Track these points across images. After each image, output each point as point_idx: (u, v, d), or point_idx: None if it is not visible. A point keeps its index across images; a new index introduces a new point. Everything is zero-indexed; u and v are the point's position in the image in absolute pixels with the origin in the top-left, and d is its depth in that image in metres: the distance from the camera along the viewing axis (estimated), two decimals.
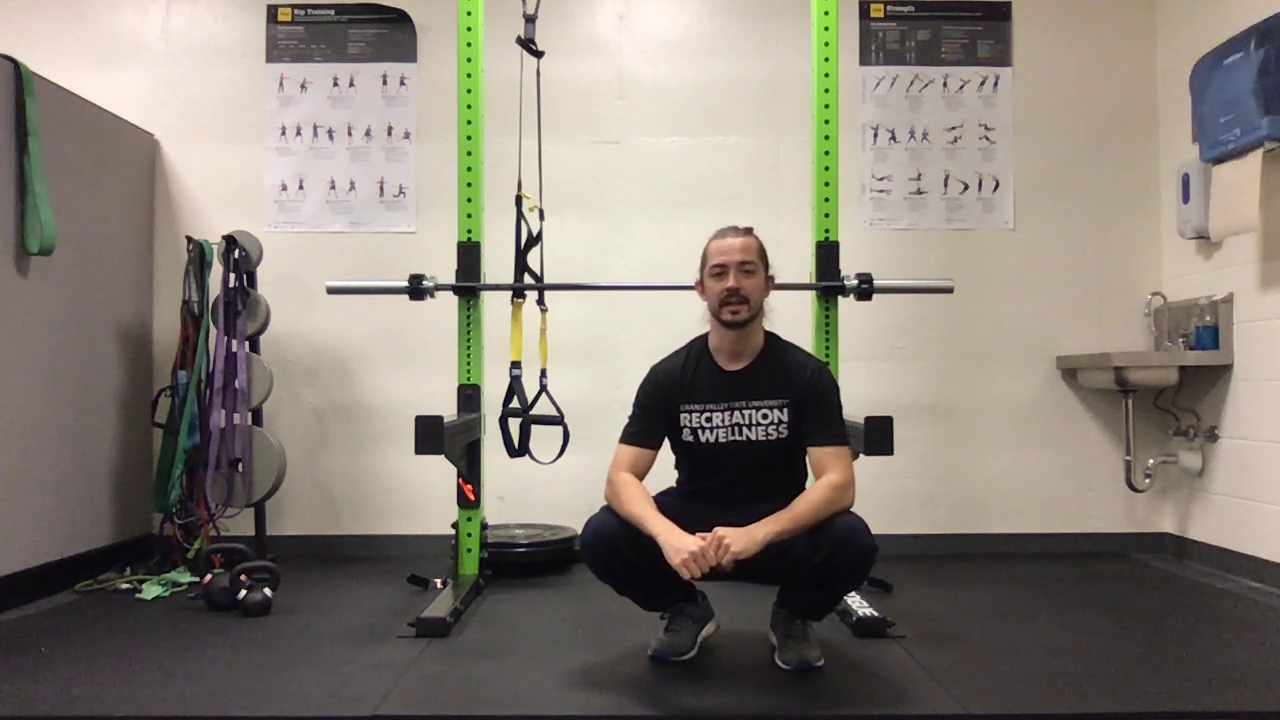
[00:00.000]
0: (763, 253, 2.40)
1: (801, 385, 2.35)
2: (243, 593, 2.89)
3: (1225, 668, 2.31)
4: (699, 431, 2.38)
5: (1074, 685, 2.18)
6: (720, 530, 2.11)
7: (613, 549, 2.27)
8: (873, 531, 2.26)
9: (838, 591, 2.34)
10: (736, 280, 2.32)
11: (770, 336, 2.45)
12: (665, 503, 2.33)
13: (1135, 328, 3.95)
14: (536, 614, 2.92)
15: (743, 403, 2.36)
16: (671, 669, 2.33)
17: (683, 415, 2.39)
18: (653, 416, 2.41)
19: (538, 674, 2.29)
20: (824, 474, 2.28)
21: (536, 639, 2.62)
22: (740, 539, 2.11)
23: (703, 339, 2.48)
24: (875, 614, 2.67)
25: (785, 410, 2.34)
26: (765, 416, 2.35)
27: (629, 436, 2.41)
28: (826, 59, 3.19)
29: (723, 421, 2.36)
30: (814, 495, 2.24)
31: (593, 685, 2.21)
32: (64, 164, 3.28)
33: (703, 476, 2.42)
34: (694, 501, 2.38)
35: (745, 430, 2.36)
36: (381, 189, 4.00)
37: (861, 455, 2.62)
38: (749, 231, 2.41)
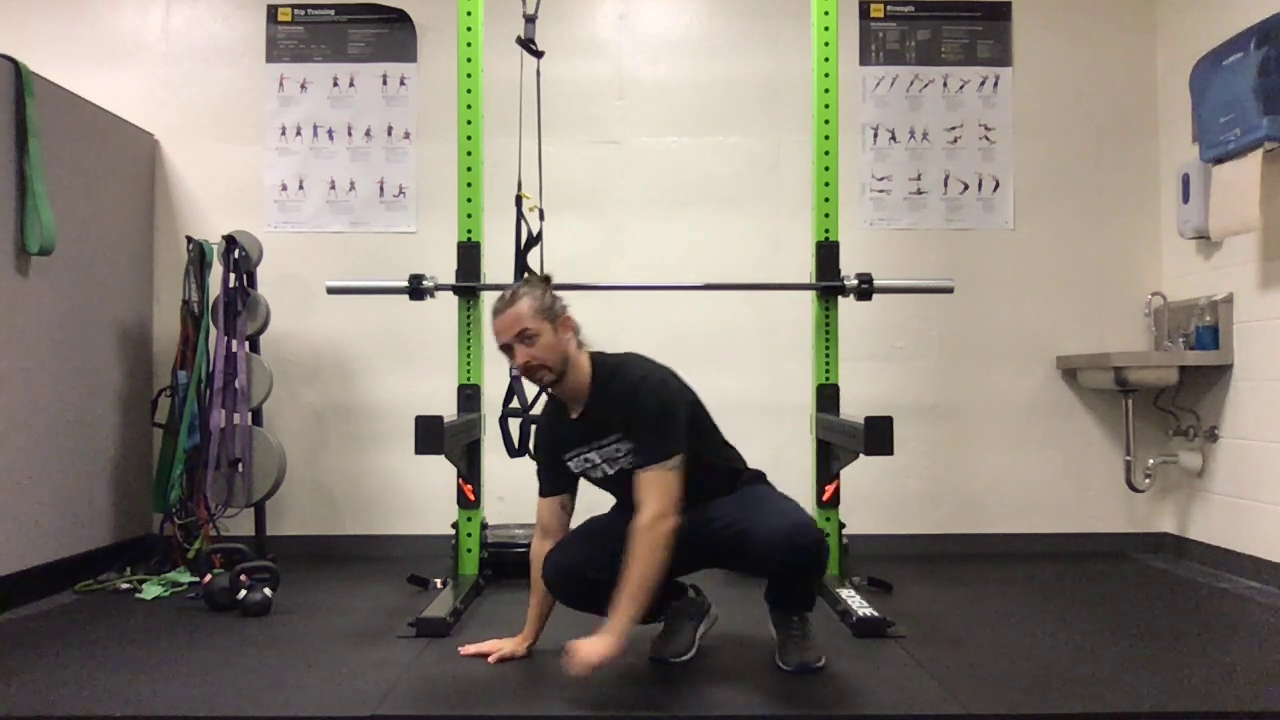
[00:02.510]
0: (540, 308, 2.23)
1: (626, 412, 2.24)
2: (243, 593, 2.89)
3: (1225, 668, 2.31)
4: (587, 472, 2.37)
5: (1074, 685, 2.18)
6: (570, 648, 2.07)
7: (579, 579, 2.29)
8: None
9: (808, 581, 2.34)
10: (523, 356, 2.22)
11: (596, 367, 2.30)
12: (612, 519, 2.36)
13: (1135, 328, 3.95)
14: None
15: (594, 444, 2.31)
16: (671, 669, 2.33)
17: (568, 463, 2.37)
18: (548, 466, 2.42)
19: (537, 674, 2.29)
20: (639, 507, 2.16)
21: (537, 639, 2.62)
22: (595, 649, 2.04)
23: None
24: (875, 614, 2.67)
25: (626, 441, 2.27)
26: (618, 451, 2.29)
27: (540, 490, 2.42)
28: (826, 59, 3.20)
29: (594, 461, 2.33)
30: (633, 550, 2.11)
31: (593, 685, 2.21)
32: (64, 164, 3.28)
33: (622, 501, 2.40)
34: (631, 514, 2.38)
35: (613, 464, 2.31)
36: (381, 189, 4.00)
37: (861, 455, 2.63)
38: (514, 298, 2.24)
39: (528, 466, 3.26)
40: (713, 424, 2.42)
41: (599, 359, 2.33)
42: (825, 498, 3.17)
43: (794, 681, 2.23)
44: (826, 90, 3.19)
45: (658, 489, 2.14)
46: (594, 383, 2.29)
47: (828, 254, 3.20)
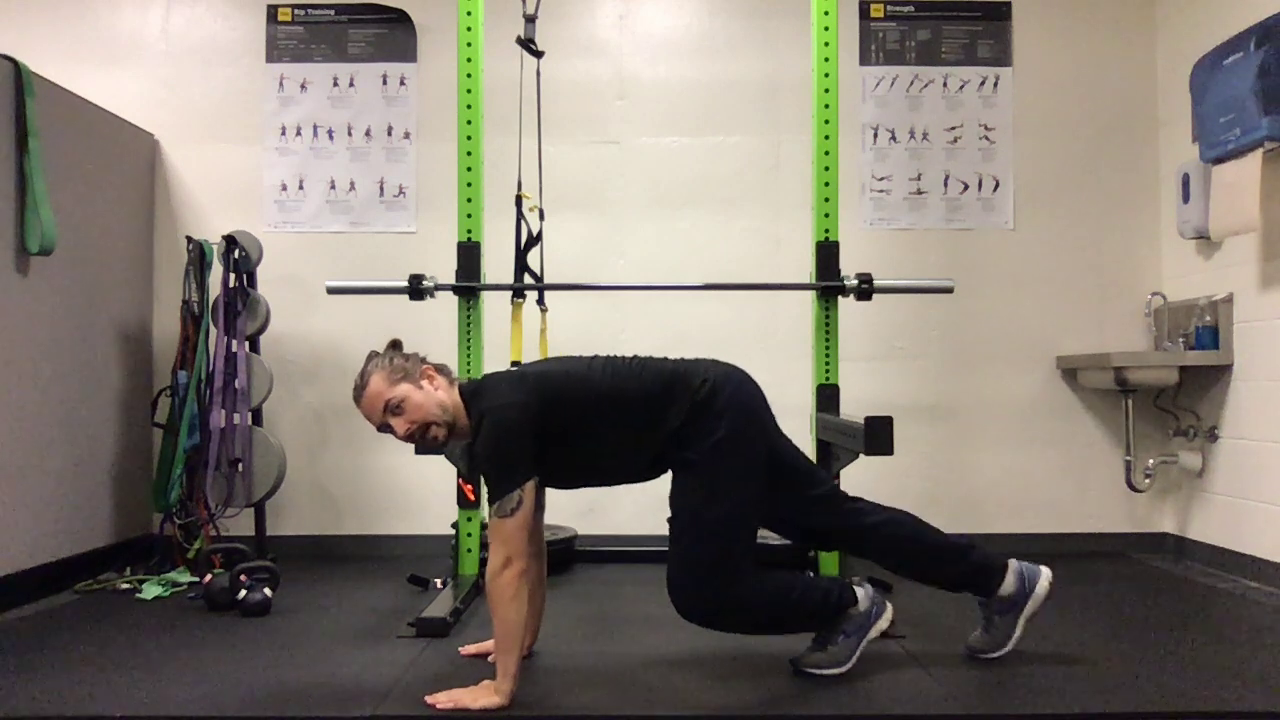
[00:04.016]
0: (393, 376, 2.19)
1: (474, 454, 2.19)
2: (243, 593, 2.89)
3: (1225, 668, 2.31)
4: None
5: (1074, 685, 2.18)
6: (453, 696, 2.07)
7: None
8: None
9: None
10: (403, 427, 2.17)
11: (464, 400, 2.22)
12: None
13: (1135, 328, 3.95)
14: None
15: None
16: (671, 669, 2.33)
17: None
18: None
19: (538, 674, 2.29)
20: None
21: (537, 639, 2.62)
22: (478, 700, 2.03)
23: None
24: None
25: None
26: None
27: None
28: (826, 59, 3.20)
29: None
30: (490, 606, 2.07)
31: (593, 685, 2.21)
32: (64, 164, 3.28)
33: (601, 467, 2.36)
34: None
35: None
36: (381, 189, 4.00)
37: (861, 455, 2.63)
38: (365, 380, 2.21)
39: None
40: (613, 396, 2.20)
41: (464, 391, 2.24)
42: None
43: (793, 681, 2.23)
44: (826, 90, 3.19)
45: (495, 539, 2.06)
46: (469, 415, 2.20)
47: (828, 254, 3.19)
